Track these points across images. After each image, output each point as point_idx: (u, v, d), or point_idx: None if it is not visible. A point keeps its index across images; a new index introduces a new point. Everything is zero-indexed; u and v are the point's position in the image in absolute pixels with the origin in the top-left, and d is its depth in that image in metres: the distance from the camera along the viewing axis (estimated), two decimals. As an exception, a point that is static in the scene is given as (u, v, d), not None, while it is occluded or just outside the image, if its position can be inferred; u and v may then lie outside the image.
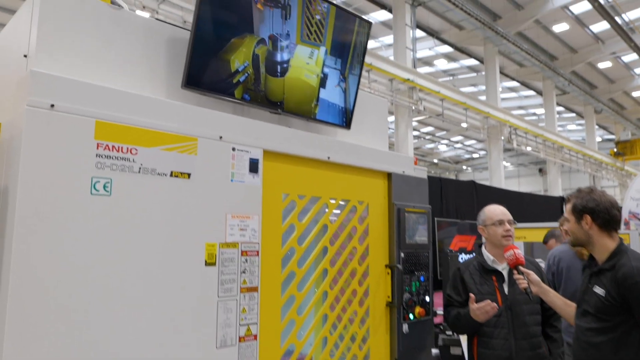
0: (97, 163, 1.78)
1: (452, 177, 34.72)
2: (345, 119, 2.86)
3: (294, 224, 2.46)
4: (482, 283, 3.04)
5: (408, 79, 13.98)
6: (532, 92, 24.30)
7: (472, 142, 30.22)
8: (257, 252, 2.24)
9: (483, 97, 19.07)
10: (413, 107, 14.56)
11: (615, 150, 26.08)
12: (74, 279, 1.69)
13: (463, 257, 8.36)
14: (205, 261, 2.05)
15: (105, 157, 1.80)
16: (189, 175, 2.02)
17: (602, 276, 2.37)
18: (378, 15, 16.98)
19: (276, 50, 2.46)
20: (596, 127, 26.30)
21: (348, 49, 2.79)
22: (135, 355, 1.81)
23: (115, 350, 1.76)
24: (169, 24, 2.28)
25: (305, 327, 2.48)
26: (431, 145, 31.82)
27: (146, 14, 9.46)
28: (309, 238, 2.53)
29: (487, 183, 14.74)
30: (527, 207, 10.92)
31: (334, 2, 2.66)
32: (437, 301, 4.82)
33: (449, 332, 4.70)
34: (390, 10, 15.63)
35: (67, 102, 1.73)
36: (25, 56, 1.93)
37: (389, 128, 8.24)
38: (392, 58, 14.53)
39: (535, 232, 8.68)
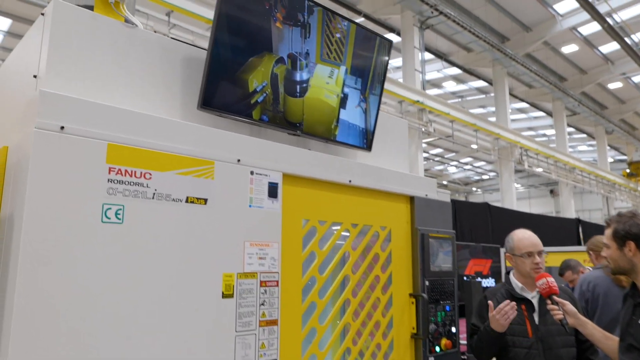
0: (108, 189, 1.66)
1: (462, 199, 34.43)
2: (366, 140, 2.74)
3: (315, 251, 2.32)
4: (511, 312, 2.86)
5: (417, 101, 13.93)
6: (541, 113, 24.18)
7: (482, 163, 30.02)
8: (277, 282, 2.10)
9: (492, 119, 18.97)
10: (423, 129, 14.47)
11: (628, 171, 25.74)
12: (83, 309, 1.56)
13: (484, 282, 8.13)
14: (223, 293, 1.91)
15: (118, 182, 1.68)
16: (205, 201, 1.90)
17: (648, 307, 2.20)
18: (386, 38, 17.03)
19: (295, 69, 2.36)
20: (607, 147, 26.04)
21: (368, 69, 2.69)
22: (147, 397, 1.66)
23: (125, 392, 1.62)
24: (185, 42, 2.19)
25: (327, 363, 2.32)
26: (440, 167, 31.64)
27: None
28: (330, 266, 2.39)
29: (498, 205, 14.54)
30: (541, 230, 10.67)
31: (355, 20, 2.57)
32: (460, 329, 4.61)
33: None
34: (398, 34, 15.69)
35: (77, 124, 1.62)
36: (34, 77, 1.84)
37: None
38: (401, 80, 14.51)
39: (552, 256, 8.44)
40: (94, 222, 1.61)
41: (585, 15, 15.87)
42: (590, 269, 4.99)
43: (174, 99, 2.14)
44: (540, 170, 19.99)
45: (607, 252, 2.43)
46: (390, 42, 2.76)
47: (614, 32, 16.18)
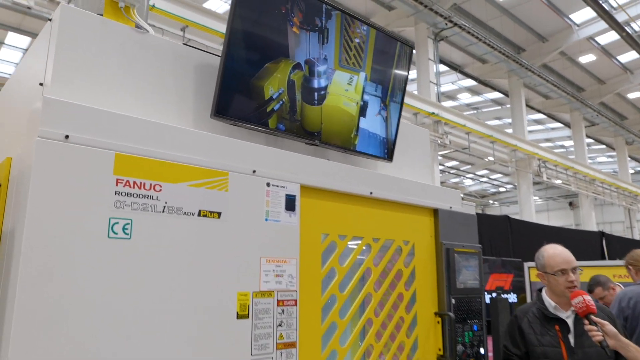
0: (115, 202, 1.55)
1: (479, 212, 33.95)
2: (386, 150, 2.61)
3: (335, 268, 2.18)
4: (544, 333, 2.67)
5: (433, 113, 13.77)
6: (559, 124, 23.81)
7: (498, 175, 29.61)
8: (295, 301, 1.96)
9: (509, 130, 18.71)
10: (438, 141, 14.28)
11: (650, 182, 25.12)
12: (88, 330, 1.43)
13: (510, 298, 7.87)
14: (237, 313, 1.78)
15: (126, 194, 1.57)
16: (219, 214, 1.78)
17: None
18: (400, 51, 16.95)
19: (313, 75, 2.25)
20: (628, 158, 25.51)
21: (389, 75, 2.57)
22: None
23: (132, 423, 1.49)
24: (198, 49, 2.09)
25: (349, 388, 2.16)
26: (456, 180, 31.28)
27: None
28: (351, 284, 2.25)
29: (516, 217, 14.23)
30: (564, 244, 10.38)
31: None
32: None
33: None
34: (412, 46, 15.61)
35: (83, 133, 1.52)
36: (41, 84, 1.75)
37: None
38: (416, 92, 14.39)
39: (576, 270, 8.13)
40: (99, 238, 1.50)
41: (602, 25, 15.64)
42: (621, 285, 4.76)
43: (186, 107, 2.03)
44: (559, 182, 19.60)
45: None
46: (411, 47, 2.64)
47: (632, 41, 15.90)
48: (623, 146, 24.46)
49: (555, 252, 2.78)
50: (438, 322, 2.55)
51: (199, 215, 1.73)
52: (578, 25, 16.81)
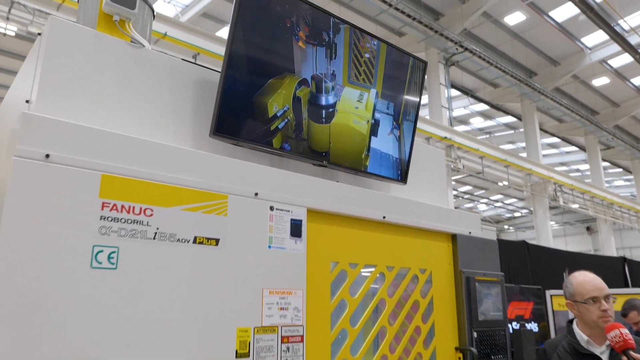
0: (100, 228, 1.40)
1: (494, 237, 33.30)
2: (400, 171, 2.45)
3: (346, 299, 1.99)
4: (576, 370, 2.43)
5: (445, 137, 13.62)
6: (574, 148, 23.49)
7: (513, 200, 29.17)
8: (302, 337, 1.78)
9: (523, 154, 18.46)
10: (452, 166, 14.08)
11: (669, 206, 24.52)
12: (62, 384, 1.27)
13: (531, 327, 7.53)
14: (237, 351, 1.60)
15: (112, 219, 1.42)
16: (217, 241, 1.62)
17: None
18: (411, 76, 16.93)
19: (320, 92, 2.11)
20: (645, 182, 24.98)
21: (402, 92, 2.42)
22: None
23: None
24: (197, 64, 1.97)
25: None
26: (470, 205, 30.87)
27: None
28: (363, 317, 2.06)
29: (533, 243, 13.85)
30: (586, 270, 10.01)
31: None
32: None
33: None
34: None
35: (66, 152, 1.38)
36: (27, 102, 1.62)
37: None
38: (427, 117, 14.28)
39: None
40: (81, 268, 1.35)
41: (615, 48, 15.52)
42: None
43: (184, 125, 1.90)
44: (576, 206, 19.19)
45: None
46: (425, 62, 2.50)
47: (647, 64, 15.71)
48: (640, 169, 24.00)
49: (585, 279, 2.56)
50: (459, 359, 2.34)
51: (194, 242, 1.57)
52: (590, 49, 16.70)
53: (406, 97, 2.45)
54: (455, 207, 27.96)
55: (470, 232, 2.58)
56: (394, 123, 2.40)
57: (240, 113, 1.86)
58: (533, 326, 7.90)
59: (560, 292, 6.72)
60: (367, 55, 2.26)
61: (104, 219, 1.41)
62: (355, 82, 2.23)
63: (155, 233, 1.49)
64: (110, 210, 1.42)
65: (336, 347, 1.91)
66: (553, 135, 21.84)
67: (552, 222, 31.70)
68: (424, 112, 16.58)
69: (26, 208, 1.29)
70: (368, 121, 2.28)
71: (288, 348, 1.73)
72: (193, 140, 1.90)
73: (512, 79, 15.69)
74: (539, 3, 14.31)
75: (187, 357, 1.49)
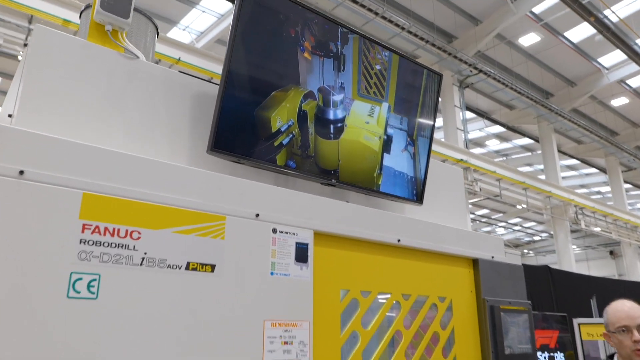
0: (80, 252, 1.25)
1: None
2: (416, 191, 2.28)
3: (357, 331, 1.81)
4: (616, 409, 2.20)
5: (461, 160, 13.40)
6: (593, 170, 23.00)
7: (532, 224, 28.55)
8: (308, 375, 1.59)
9: (541, 177, 18.09)
10: (468, 189, 13.81)
11: (696, 229, 23.72)
12: None
13: (557, 357, 7.15)
14: (234, 392, 1.42)
15: (94, 243, 1.27)
16: (212, 267, 1.46)
17: None
18: (425, 98, 16.83)
19: (328, 105, 1.97)
20: (670, 204, 24.31)
21: (416, 106, 2.27)
22: None
23: None
24: (195, 77, 1.85)
25: None
26: (488, 229, 30.29)
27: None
28: (377, 350, 1.86)
29: (556, 267, 13.40)
30: (610, 296, 9.58)
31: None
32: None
33: None
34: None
35: (42, 168, 1.25)
36: (10, 116, 1.50)
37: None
38: (443, 140, 14.10)
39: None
40: (56, 298, 1.19)
41: (633, 67, 15.28)
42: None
43: (180, 142, 1.76)
44: (598, 229, 18.65)
45: None
46: (440, 75, 2.36)
47: (667, 83, 15.41)
48: (664, 191, 23.36)
49: (618, 307, 2.34)
50: (485, 397, 2.12)
51: (187, 268, 1.41)
52: (607, 69, 16.47)
53: (421, 111, 2.29)
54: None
55: (493, 257, 2.39)
56: (408, 139, 2.25)
57: (240, 127, 1.72)
58: (560, 356, 7.52)
59: (589, 320, 6.38)
60: (378, 67, 2.12)
61: (84, 242, 1.26)
62: (365, 95, 2.08)
63: (143, 258, 1.34)
64: (92, 232, 1.28)
65: (347, 385, 1.72)
66: (572, 157, 21.44)
67: (574, 246, 30.91)
68: (439, 135, 16.42)
69: (-6, 231, 1.15)
70: (380, 137, 2.13)
71: (293, 388, 1.54)
72: (190, 157, 1.76)
73: (528, 100, 15.50)
74: (554, 24, 14.20)
75: (177, 399, 1.31)
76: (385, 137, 2.15)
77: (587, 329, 6.34)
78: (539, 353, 7.10)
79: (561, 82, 17.06)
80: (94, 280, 1.26)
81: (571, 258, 16.75)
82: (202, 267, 1.44)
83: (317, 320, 1.67)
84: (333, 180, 1.99)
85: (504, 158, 22.38)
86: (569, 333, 7.44)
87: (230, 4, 11.97)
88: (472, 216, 25.14)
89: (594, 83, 16.73)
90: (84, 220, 1.27)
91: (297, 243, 1.68)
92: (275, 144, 1.82)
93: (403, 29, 12.10)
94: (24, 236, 1.18)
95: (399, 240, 2.00)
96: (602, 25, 12.91)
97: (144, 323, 1.30)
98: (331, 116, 1.98)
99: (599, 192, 26.04)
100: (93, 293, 1.25)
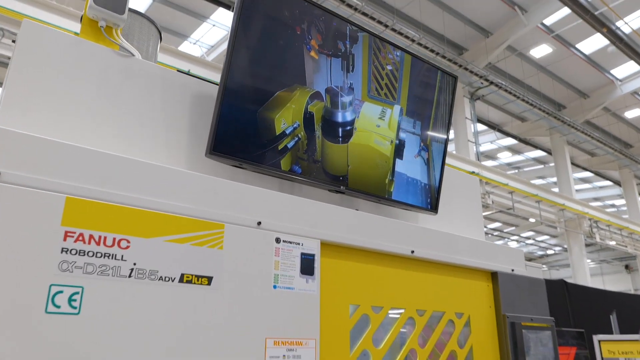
0: (62, 263, 1.13)
1: (526, 276, 32.00)
2: (430, 199, 2.14)
3: (368, 350, 1.66)
4: None
5: (473, 172, 13.20)
6: (607, 182, 22.63)
7: (545, 237, 28.11)
8: (314, 399, 1.45)
9: (554, 189, 17.81)
10: (480, 202, 13.58)
11: None
12: None
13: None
14: (232, 418, 1.28)
15: (77, 252, 1.16)
16: (209, 280, 1.33)
17: None
18: (436, 111, 16.72)
19: (336, 107, 1.85)
20: (687, 217, 23.80)
21: (429, 109, 2.14)
22: None
23: None
24: (194, 76, 1.74)
25: None
26: (500, 242, 29.89)
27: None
28: (390, 372, 1.72)
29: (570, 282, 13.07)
30: (630, 311, 9.29)
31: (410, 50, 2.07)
32: None
33: None
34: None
35: (21, 170, 1.14)
36: (-6, 116, 1.40)
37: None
38: (454, 152, 13.94)
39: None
40: (33, 313, 1.07)
41: (647, 78, 15.06)
42: None
43: (178, 144, 1.65)
44: (613, 243, 18.27)
45: None
46: (455, 77, 2.23)
47: (682, 94, 15.15)
48: (681, 204, 22.91)
49: None
50: (507, 422, 1.95)
51: (181, 281, 1.29)
52: (620, 80, 16.25)
53: (435, 115, 2.17)
54: (485, 245, 26.99)
55: (513, 270, 2.24)
56: (422, 144, 2.12)
57: (241, 129, 1.60)
58: (578, 374, 7.27)
59: (610, 337, 6.13)
60: (389, 67, 2.00)
61: (66, 251, 1.14)
62: (376, 97, 1.96)
63: (132, 269, 1.22)
64: (75, 241, 1.16)
65: (357, 410, 1.57)
66: (585, 169, 21.13)
67: (588, 260, 30.36)
68: (449, 147, 16.24)
69: (-35, 238, 1.04)
70: (392, 141, 2.00)
71: (297, 413, 1.40)
72: (187, 161, 1.64)
73: (540, 112, 15.31)
74: (566, 35, 14.06)
75: None
76: (397, 142, 2.02)
77: (608, 346, 6.09)
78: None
79: (573, 93, 16.87)
80: (76, 293, 1.13)
81: (586, 272, 16.39)
82: (198, 280, 1.32)
83: (325, 338, 1.53)
84: (342, 187, 1.86)
85: (516, 171, 22.12)
86: (587, 349, 7.19)
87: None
88: (484, 229, 24.79)
89: (607, 95, 16.51)
90: (67, 227, 1.16)
91: (302, 254, 1.55)
92: (280, 147, 1.69)
93: (413, 41, 12.03)
94: (-2, 244, 1.07)
95: (412, 252, 1.86)
96: (614, 37, 12.75)
97: (132, 341, 1.18)
98: (340, 119, 1.86)
99: (613, 205, 25.61)
100: (75, 308, 1.12)
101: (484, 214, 20.52)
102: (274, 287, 1.46)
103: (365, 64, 1.94)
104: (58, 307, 1.10)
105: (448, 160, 12.50)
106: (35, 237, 1.11)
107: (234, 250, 1.40)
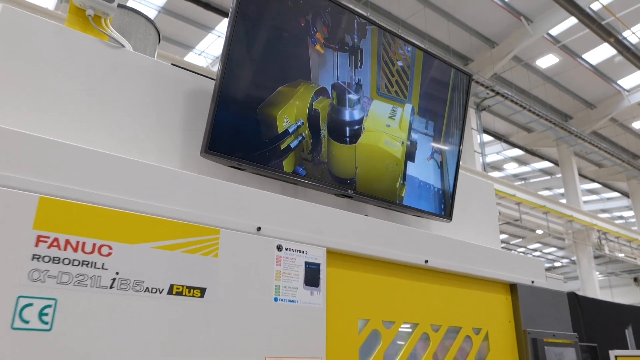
0: (32, 271, 0.99)
1: (533, 289, 31.59)
2: (444, 205, 1.99)
3: (379, 370, 1.51)
4: None
5: (480, 183, 13.03)
6: (615, 194, 22.38)
7: (552, 249, 27.78)
8: None
9: (562, 201, 17.59)
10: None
11: None
12: None
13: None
14: None
15: (50, 260, 1.02)
16: (202, 291, 1.19)
17: None
18: (441, 121, 16.61)
19: (343, 105, 1.72)
20: (696, 229, 23.47)
21: (443, 108, 2.00)
22: None
23: None
24: (189, 70, 1.61)
25: None
26: (507, 255, 29.49)
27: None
28: (403, 394, 1.56)
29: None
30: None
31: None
32: None
33: None
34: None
35: (-12, 165, 1.00)
36: (-33, 111, 1.27)
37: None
38: (460, 163, 13.79)
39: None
40: (-4, 330, 0.93)
41: (655, 89, 14.91)
42: None
43: (171, 142, 1.51)
44: (622, 255, 17.99)
45: None
46: (469, 75, 2.10)
47: (691, 104, 14.98)
48: (690, 216, 22.59)
49: None
50: None
51: (170, 292, 1.14)
52: (628, 91, 16.11)
53: (448, 115, 2.03)
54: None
55: (533, 282, 2.08)
56: (435, 146, 1.97)
57: (240, 126, 1.47)
58: (591, 391, 7.02)
59: (627, 352, 5.91)
60: (400, 64, 1.87)
61: (38, 258, 1.00)
62: (386, 95, 1.83)
63: (114, 280, 1.08)
64: (49, 246, 1.02)
65: None
66: (592, 180, 20.91)
67: (597, 273, 29.94)
68: (455, 158, 16.08)
69: None
70: (403, 142, 1.86)
71: None
72: (181, 160, 1.51)
73: (546, 122, 15.17)
74: (572, 46, 13.95)
75: None
76: (409, 143, 1.88)
77: (625, 363, 5.86)
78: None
79: (580, 104, 16.72)
80: (48, 306, 0.99)
81: (595, 285, 16.11)
82: (189, 291, 1.17)
83: (331, 356, 1.38)
84: (349, 191, 1.72)
85: (523, 182, 21.92)
86: (601, 365, 6.95)
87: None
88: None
89: (614, 105, 16.36)
90: (39, 230, 1.02)
91: (306, 263, 1.40)
92: (282, 147, 1.56)
93: (418, 50, 11.94)
94: (-42, 249, 0.93)
95: (426, 261, 1.71)
96: (621, 47, 12.63)
97: (112, 362, 1.03)
98: (347, 117, 1.72)
99: (621, 217, 25.31)
100: (46, 323, 0.98)
101: (491, 225, 20.22)
102: (275, 299, 1.31)
103: (375, 60, 1.81)
104: (27, 322, 0.96)
105: (454, 170, 12.34)
106: (2, 242, 0.97)
107: (230, 259, 1.26)
